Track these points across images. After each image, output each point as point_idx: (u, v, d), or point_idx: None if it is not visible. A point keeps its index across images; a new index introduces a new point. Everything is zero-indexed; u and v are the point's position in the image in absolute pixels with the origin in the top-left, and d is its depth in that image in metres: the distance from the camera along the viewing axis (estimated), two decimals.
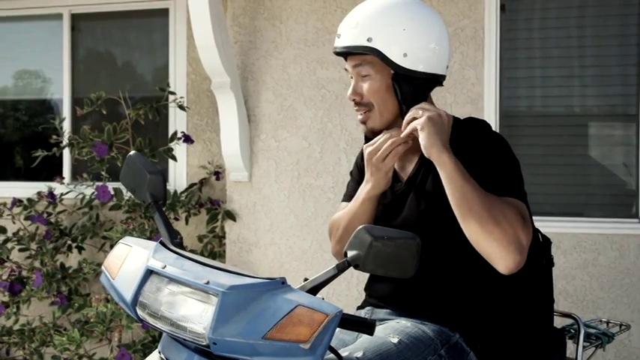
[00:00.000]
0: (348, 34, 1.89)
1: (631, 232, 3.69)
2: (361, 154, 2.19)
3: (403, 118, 1.89)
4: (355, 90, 1.94)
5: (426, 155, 1.82)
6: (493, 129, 1.99)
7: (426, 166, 1.93)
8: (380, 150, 1.90)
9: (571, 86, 3.91)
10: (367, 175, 1.96)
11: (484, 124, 1.96)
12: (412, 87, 1.88)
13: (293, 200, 4.08)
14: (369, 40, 1.85)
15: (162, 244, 1.67)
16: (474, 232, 1.75)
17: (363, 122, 1.97)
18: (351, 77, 1.97)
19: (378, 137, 1.92)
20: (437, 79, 1.92)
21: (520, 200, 1.82)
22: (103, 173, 4.18)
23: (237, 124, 3.98)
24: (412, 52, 1.85)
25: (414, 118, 1.85)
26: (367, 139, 2.18)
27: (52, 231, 4.36)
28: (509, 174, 1.85)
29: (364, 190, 1.98)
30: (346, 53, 1.92)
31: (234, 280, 1.47)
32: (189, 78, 4.64)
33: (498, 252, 1.73)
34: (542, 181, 3.81)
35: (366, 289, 2.16)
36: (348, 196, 2.17)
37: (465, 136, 1.88)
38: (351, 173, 2.25)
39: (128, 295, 1.58)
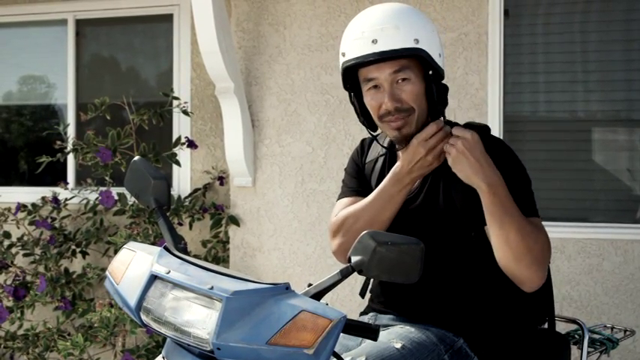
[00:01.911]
0: (391, 38, 1.81)
1: (635, 237, 3.68)
2: (358, 153, 2.18)
3: (431, 119, 1.89)
4: (395, 97, 1.86)
5: None
6: (493, 133, 1.98)
7: (434, 175, 1.92)
8: (435, 147, 1.86)
9: (575, 91, 3.91)
10: (412, 167, 1.89)
11: (485, 132, 1.92)
12: (441, 88, 1.89)
13: (297, 205, 4.08)
14: (416, 41, 1.81)
15: (167, 249, 1.67)
16: (505, 258, 1.79)
17: (398, 129, 1.89)
18: (373, 87, 1.89)
19: (428, 129, 1.86)
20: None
21: (538, 217, 1.85)
22: (107, 178, 4.19)
23: (241, 129, 3.98)
24: (442, 53, 1.89)
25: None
26: (362, 149, 2.17)
27: (56, 236, 4.36)
28: (525, 192, 1.86)
29: (407, 177, 1.91)
30: (384, 59, 1.83)
31: (238, 286, 1.47)
32: (193, 83, 4.65)
33: (527, 276, 1.78)
34: (546, 187, 3.80)
35: (361, 294, 2.14)
36: (350, 191, 2.13)
37: None
38: (346, 170, 2.20)
39: (132, 300, 1.58)
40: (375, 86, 1.88)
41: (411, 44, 1.81)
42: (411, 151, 1.89)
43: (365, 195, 2.02)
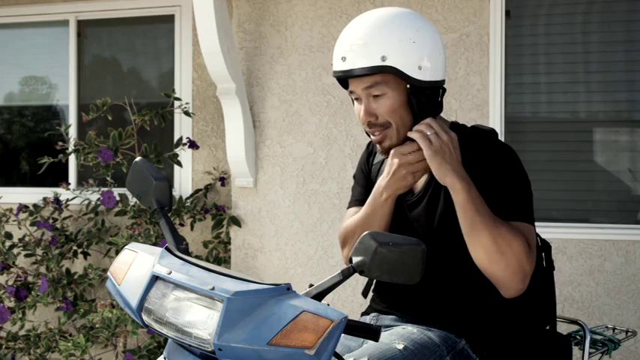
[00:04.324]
0: (357, 56, 1.81)
1: (637, 238, 3.68)
2: (365, 157, 2.20)
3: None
4: (369, 111, 1.87)
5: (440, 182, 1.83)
6: (500, 138, 1.98)
7: (437, 180, 1.92)
8: (413, 164, 1.87)
9: (576, 92, 3.91)
10: (389, 180, 1.91)
11: (491, 136, 1.93)
12: (426, 98, 1.86)
13: (298, 206, 4.08)
14: (383, 58, 1.79)
15: (168, 249, 1.67)
16: (480, 260, 1.79)
17: (380, 142, 1.91)
18: (356, 99, 1.92)
19: (410, 145, 1.87)
20: (442, 85, 1.92)
21: (528, 223, 1.83)
22: (109, 179, 4.19)
23: (243, 130, 3.99)
24: (425, 64, 1.83)
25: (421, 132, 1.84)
26: (370, 152, 2.19)
27: (57, 237, 4.37)
28: (519, 197, 1.85)
29: (385, 193, 1.93)
30: (354, 75, 1.85)
31: (240, 286, 1.47)
32: (195, 84, 4.66)
33: (502, 280, 1.78)
34: (547, 187, 3.80)
35: (363, 294, 2.15)
36: (355, 201, 2.16)
37: (473, 150, 1.87)
38: (354, 177, 2.23)
39: (134, 301, 1.58)
40: (357, 98, 1.91)
41: (376, 62, 1.80)
42: (387, 163, 1.92)
43: None
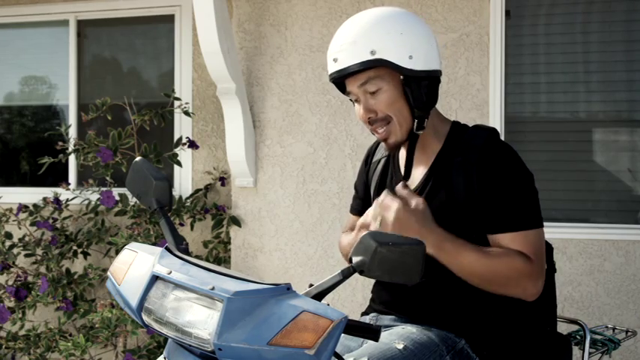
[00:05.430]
0: (348, 54, 1.83)
1: (637, 238, 3.68)
2: (364, 158, 2.22)
3: (416, 124, 1.89)
4: (368, 108, 1.89)
5: None
6: (501, 137, 1.98)
7: (435, 176, 1.92)
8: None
9: (576, 92, 3.91)
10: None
11: (492, 136, 1.93)
12: (421, 88, 1.87)
13: (298, 206, 4.08)
14: (372, 52, 1.81)
15: (168, 249, 1.67)
16: (489, 289, 1.84)
17: (385, 139, 1.92)
18: (354, 100, 1.93)
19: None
20: (438, 76, 1.92)
21: (528, 229, 1.83)
22: (108, 179, 4.19)
23: (243, 129, 3.99)
24: (415, 53, 1.84)
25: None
26: (369, 152, 2.21)
27: (57, 237, 4.37)
28: (519, 203, 1.84)
29: None
30: (348, 75, 1.86)
31: (240, 286, 1.47)
32: (195, 84, 4.66)
33: (512, 295, 1.84)
34: (547, 187, 3.80)
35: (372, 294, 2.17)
36: (353, 210, 2.25)
37: (474, 151, 1.87)
38: (355, 187, 2.27)
39: (134, 301, 1.58)
40: (356, 99, 1.93)
41: (366, 57, 1.81)
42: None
43: None
